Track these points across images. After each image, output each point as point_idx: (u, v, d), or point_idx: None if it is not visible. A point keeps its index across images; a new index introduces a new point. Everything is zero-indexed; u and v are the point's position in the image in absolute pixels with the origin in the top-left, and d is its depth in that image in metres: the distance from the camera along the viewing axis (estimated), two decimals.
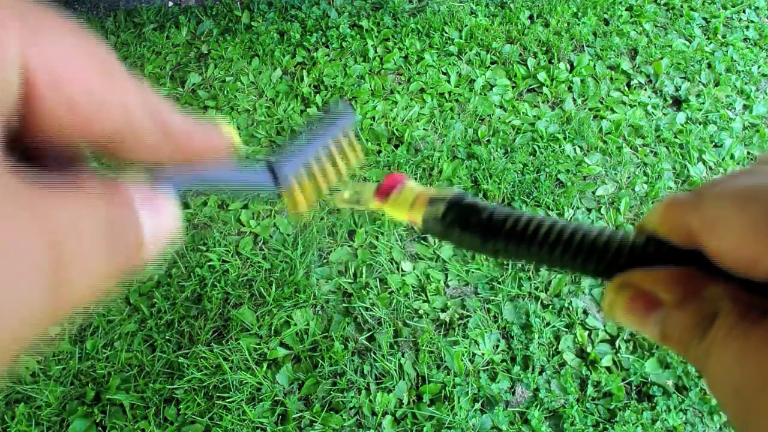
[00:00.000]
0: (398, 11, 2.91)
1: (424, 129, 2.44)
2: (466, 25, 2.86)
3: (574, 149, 2.38)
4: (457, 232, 0.30)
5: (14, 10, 0.17)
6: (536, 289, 1.95)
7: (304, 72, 2.67)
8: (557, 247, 0.27)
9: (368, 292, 1.94)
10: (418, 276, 1.99)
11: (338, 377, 1.77)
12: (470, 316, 1.89)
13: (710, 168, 2.33)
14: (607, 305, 0.26)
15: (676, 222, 0.24)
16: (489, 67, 2.72)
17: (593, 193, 2.23)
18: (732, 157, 2.36)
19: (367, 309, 1.90)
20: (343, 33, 2.81)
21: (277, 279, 1.96)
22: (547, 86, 2.62)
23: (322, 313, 1.92)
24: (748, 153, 2.39)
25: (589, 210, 2.18)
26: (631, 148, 2.40)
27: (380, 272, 2.00)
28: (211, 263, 1.99)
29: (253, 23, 2.87)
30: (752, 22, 2.97)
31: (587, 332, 1.87)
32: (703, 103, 2.55)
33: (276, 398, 1.73)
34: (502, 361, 1.82)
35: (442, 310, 1.91)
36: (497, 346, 1.85)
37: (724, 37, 2.88)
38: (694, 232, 0.23)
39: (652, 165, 2.32)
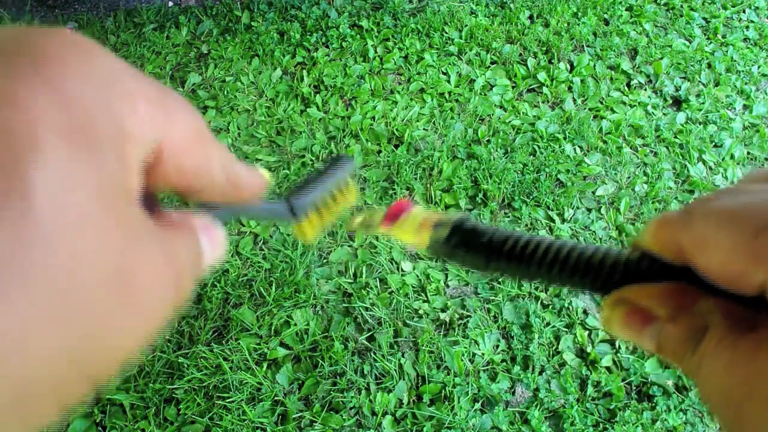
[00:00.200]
0: (398, 11, 2.91)
1: (424, 129, 2.44)
2: (466, 25, 2.86)
3: (574, 149, 2.38)
4: (460, 254, 0.33)
5: (157, 101, 0.23)
6: (536, 289, 1.95)
7: (304, 72, 2.66)
8: (555, 265, 0.29)
9: (368, 292, 1.93)
10: (418, 276, 1.99)
11: (338, 377, 1.76)
12: (470, 316, 1.89)
13: (710, 168, 2.33)
14: (604, 320, 0.27)
15: (667, 240, 0.25)
16: (489, 67, 2.71)
17: (593, 193, 2.23)
18: (732, 157, 2.36)
19: (367, 309, 1.90)
20: (343, 33, 2.80)
21: (277, 279, 1.96)
22: (547, 86, 2.62)
23: (322, 313, 1.92)
24: (748, 153, 2.38)
25: (589, 210, 2.18)
26: (631, 148, 2.40)
27: (380, 272, 2.00)
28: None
29: (253, 23, 2.87)
30: (752, 22, 2.97)
31: (587, 332, 1.87)
32: (703, 103, 2.55)
33: (276, 398, 1.73)
34: (502, 361, 1.82)
35: (442, 310, 1.91)
36: (497, 346, 1.85)
37: (724, 37, 2.88)
38: (684, 249, 0.24)
39: (652, 165, 2.32)
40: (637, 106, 2.55)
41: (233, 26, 2.86)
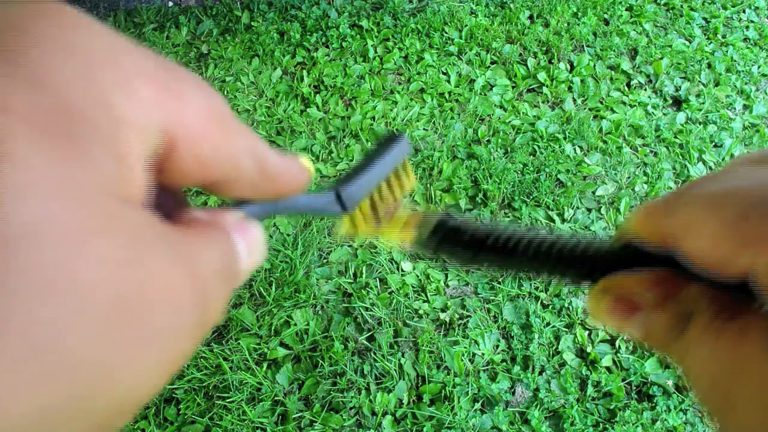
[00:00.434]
0: (398, 11, 2.91)
1: (424, 129, 2.44)
2: (466, 25, 2.85)
3: (574, 149, 2.38)
4: (445, 250, 0.33)
5: (161, 80, 0.19)
6: (536, 289, 1.95)
7: (304, 72, 2.66)
8: (539, 257, 0.29)
9: (368, 292, 1.93)
10: (418, 276, 1.99)
11: (338, 377, 1.76)
12: (470, 316, 1.89)
13: (710, 168, 2.33)
14: (590, 309, 0.27)
15: (653, 227, 0.25)
16: (489, 67, 2.71)
17: (593, 193, 2.23)
18: (732, 157, 2.35)
19: (367, 309, 1.90)
20: (343, 33, 2.80)
21: (277, 279, 1.96)
22: (547, 86, 2.62)
23: (322, 313, 1.92)
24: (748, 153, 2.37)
25: (589, 210, 2.18)
26: (631, 148, 2.40)
27: (380, 272, 2.00)
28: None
29: (253, 23, 2.87)
30: (752, 22, 2.96)
31: (587, 332, 1.87)
32: (703, 103, 2.55)
33: (276, 398, 1.73)
34: (502, 361, 1.82)
35: (442, 310, 1.91)
36: (497, 346, 1.85)
37: (724, 37, 2.88)
38: (669, 236, 0.24)
39: (652, 165, 2.32)
40: (637, 106, 2.55)
41: (233, 26, 2.86)
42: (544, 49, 2.79)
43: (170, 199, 0.22)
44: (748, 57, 2.76)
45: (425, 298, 1.94)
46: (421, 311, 1.91)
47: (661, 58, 2.71)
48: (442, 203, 2.16)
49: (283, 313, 1.88)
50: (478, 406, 1.72)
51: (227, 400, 1.71)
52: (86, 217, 0.15)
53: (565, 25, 2.88)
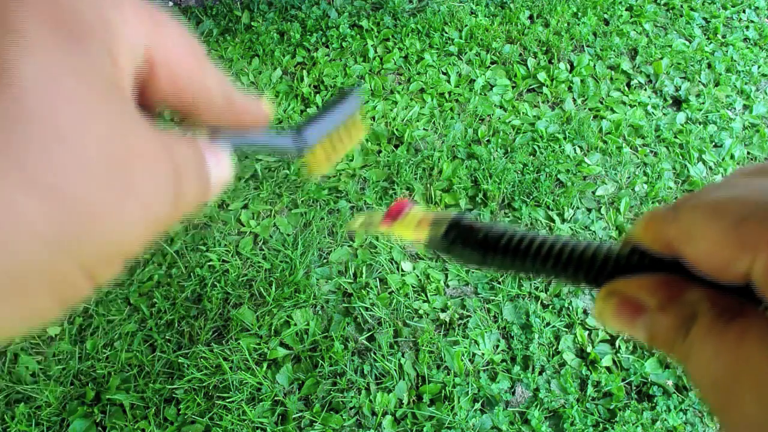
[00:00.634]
0: (398, 11, 2.91)
1: (424, 129, 2.44)
2: (466, 25, 2.86)
3: (574, 149, 2.38)
4: (457, 250, 0.34)
5: (147, 12, 0.23)
6: (536, 289, 1.95)
7: (304, 72, 2.66)
8: (548, 260, 0.30)
9: (368, 292, 1.93)
10: (418, 276, 1.99)
11: (338, 377, 1.76)
12: (470, 316, 1.89)
13: (710, 168, 2.33)
14: (597, 311, 0.28)
15: (657, 234, 0.26)
16: (489, 67, 2.71)
17: (593, 193, 2.23)
18: (732, 157, 2.36)
19: (367, 309, 1.90)
20: (343, 33, 2.80)
21: (277, 279, 1.96)
22: (547, 86, 2.62)
23: (322, 313, 1.92)
24: (748, 153, 2.39)
25: (589, 210, 2.18)
26: (631, 148, 2.40)
27: (380, 272, 2.00)
28: (211, 263, 1.99)
29: (253, 23, 2.87)
30: (752, 22, 2.96)
31: (587, 332, 1.87)
32: (703, 103, 2.55)
33: (276, 398, 1.73)
34: (502, 361, 1.82)
35: (442, 310, 1.91)
36: (497, 346, 1.85)
37: (724, 37, 2.88)
38: (673, 241, 0.25)
39: (652, 165, 2.32)
40: (637, 106, 2.55)
41: (233, 26, 2.86)
42: (544, 49, 2.79)
43: (146, 115, 0.25)
44: (748, 57, 2.76)
45: (425, 298, 1.94)
46: (421, 311, 1.90)
47: (661, 58, 2.71)
48: (442, 203, 2.16)
49: (283, 313, 1.88)
50: (478, 406, 1.72)
51: (227, 400, 1.71)
52: (87, 88, 0.19)
53: (565, 25, 2.88)
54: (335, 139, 0.41)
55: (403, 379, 1.77)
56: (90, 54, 0.20)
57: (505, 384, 1.77)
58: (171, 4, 2.97)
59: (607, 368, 1.80)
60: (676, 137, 2.43)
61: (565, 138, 2.39)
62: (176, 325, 1.87)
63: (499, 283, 1.96)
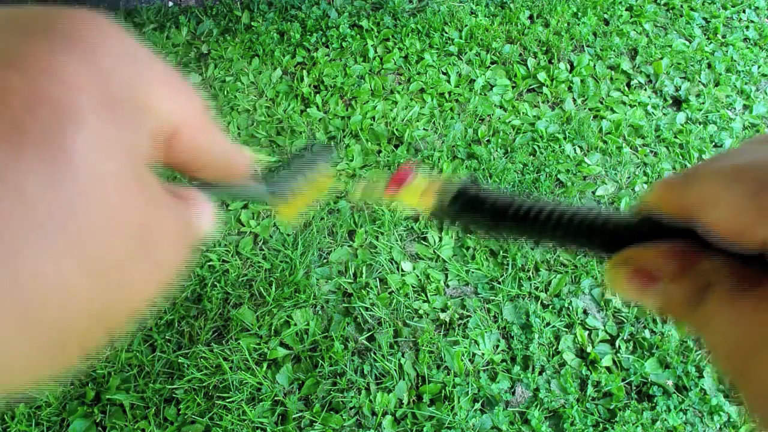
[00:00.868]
0: (398, 11, 2.91)
1: (424, 129, 2.44)
2: (466, 25, 2.86)
3: (574, 149, 2.38)
4: (463, 218, 0.34)
5: (173, 82, 0.25)
6: (536, 289, 1.95)
7: (304, 72, 2.66)
8: (559, 228, 0.30)
9: (368, 292, 1.93)
10: (418, 276, 1.99)
11: (338, 377, 1.76)
12: (470, 316, 1.89)
13: None
14: (609, 280, 0.28)
15: (672, 200, 0.26)
16: (489, 67, 2.71)
17: (593, 193, 2.23)
18: None
19: (367, 309, 1.90)
20: (343, 33, 2.80)
21: (277, 279, 1.96)
22: (547, 86, 2.62)
23: (322, 313, 1.91)
24: None
25: None
26: (631, 148, 2.40)
27: (380, 272, 2.00)
28: (211, 263, 1.99)
29: (253, 23, 2.87)
30: (752, 22, 2.96)
31: (587, 332, 1.87)
32: (703, 103, 2.55)
33: (276, 398, 1.73)
34: (502, 361, 1.82)
35: (442, 310, 1.91)
36: (497, 346, 1.85)
37: (724, 37, 2.88)
38: (688, 208, 0.25)
39: (652, 165, 2.32)
40: (637, 106, 2.55)
41: (233, 26, 2.86)
42: (544, 49, 2.79)
43: None
44: (748, 57, 2.75)
45: (425, 298, 1.94)
46: (421, 311, 1.90)
47: (661, 58, 2.71)
48: None
49: (283, 313, 1.88)
50: (478, 406, 1.72)
51: (227, 400, 1.71)
52: (129, 170, 0.21)
53: (565, 25, 2.88)
54: (304, 190, 0.42)
55: (403, 379, 1.77)
56: (133, 132, 0.22)
57: (505, 384, 1.76)
58: (171, 4, 2.97)
59: (607, 368, 1.80)
60: (676, 137, 2.42)
61: (565, 138, 2.39)
62: (176, 325, 1.87)
63: (499, 283, 1.96)
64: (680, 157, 2.35)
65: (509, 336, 1.86)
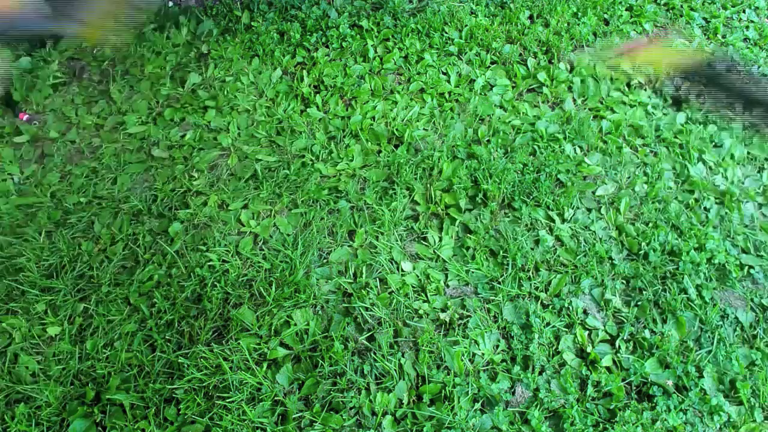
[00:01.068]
0: (398, 11, 2.91)
1: (424, 129, 2.44)
2: (466, 25, 2.86)
3: (574, 149, 2.37)
4: (703, 96, 0.32)
5: None
6: (536, 289, 1.95)
7: (304, 72, 2.66)
8: None
9: (368, 292, 1.93)
10: (418, 276, 1.99)
11: (338, 377, 1.76)
12: (470, 316, 1.89)
13: (710, 168, 2.32)
14: None
15: None
16: (489, 67, 2.72)
17: (593, 193, 2.22)
18: (732, 157, 2.35)
19: (367, 309, 1.89)
20: (343, 33, 2.81)
21: (277, 279, 1.96)
22: (547, 86, 2.62)
23: (322, 313, 1.91)
24: (748, 153, 2.37)
25: (589, 210, 2.17)
26: (631, 148, 2.40)
27: (380, 272, 1.99)
28: (211, 263, 1.99)
29: (253, 23, 2.87)
30: (752, 22, 2.96)
31: (587, 332, 1.86)
32: (703, 103, 2.52)
33: (276, 398, 1.73)
34: (502, 361, 1.81)
35: (442, 310, 1.90)
36: (497, 346, 1.84)
37: (724, 37, 2.88)
38: None
39: (652, 165, 2.31)
40: (637, 106, 2.54)
41: (233, 26, 2.87)
42: (544, 49, 2.79)
43: None
44: (748, 57, 2.75)
45: (425, 298, 1.94)
46: (421, 311, 1.90)
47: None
48: (442, 203, 2.15)
49: (283, 313, 1.88)
50: (478, 406, 1.71)
51: (227, 400, 1.70)
52: None
53: (565, 25, 2.88)
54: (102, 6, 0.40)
55: (403, 379, 1.76)
56: None
57: (505, 384, 1.75)
58: (171, 4, 2.96)
59: (607, 368, 1.79)
60: (676, 137, 2.42)
61: (565, 138, 2.39)
62: (176, 325, 1.87)
63: (499, 283, 1.95)
64: (680, 157, 2.35)
65: (509, 336, 1.85)
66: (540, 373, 1.78)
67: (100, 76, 2.71)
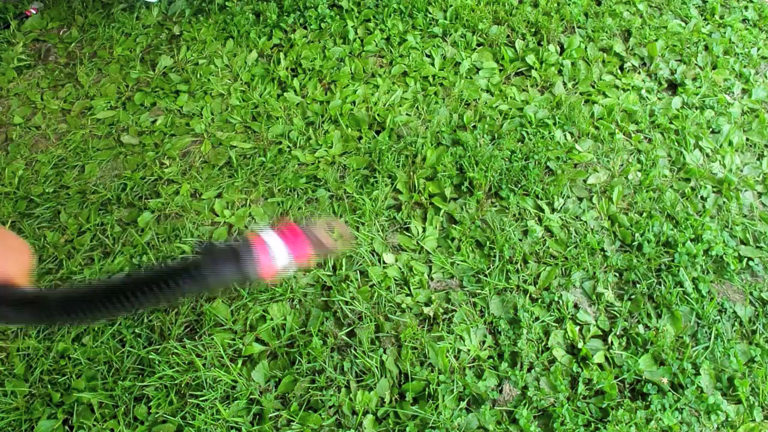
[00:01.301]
0: None
1: (406, 114, 2.43)
2: (451, 5, 2.85)
3: (565, 135, 2.35)
4: None
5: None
6: (525, 282, 1.93)
7: (281, 54, 2.67)
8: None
9: (348, 285, 1.91)
10: (400, 268, 1.97)
11: (317, 374, 1.75)
12: (455, 311, 1.87)
13: (707, 155, 2.32)
14: None
15: None
16: (475, 49, 2.71)
17: (584, 181, 2.21)
18: (730, 143, 2.34)
19: (347, 303, 1.88)
20: (321, 13, 2.80)
21: None
22: (536, 69, 2.60)
23: (300, 307, 1.90)
24: (747, 139, 2.37)
25: (580, 199, 2.16)
26: (624, 134, 2.38)
27: (361, 264, 1.98)
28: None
29: (227, 3, 2.88)
30: (751, 1, 2.96)
31: (578, 327, 1.85)
32: (700, 87, 2.52)
33: (251, 397, 1.72)
34: (489, 357, 1.79)
35: (426, 304, 1.89)
36: (484, 342, 1.82)
37: (721, 17, 2.86)
38: None
39: (646, 152, 2.30)
40: (631, 90, 2.53)
41: (206, 6, 2.87)
42: (533, 30, 2.77)
43: None
44: (747, 39, 2.73)
45: (408, 292, 1.91)
46: (403, 305, 1.88)
47: (656, 40, 2.68)
48: (426, 192, 2.12)
49: (258, 307, 1.87)
50: (463, 404, 1.69)
51: (200, 399, 1.69)
52: None
53: (555, 5, 2.86)
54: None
55: (385, 377, 1.75)
56: None
57: (492, 381, 1.74)
58: None
59: (599, 365, 1.78)
60: (671, 123, 2.40)
61: (554, 123, 2.37)
62: (146, 319, 1.86)
63: (486, 275, 1.94)
64: (676, 143, 2.34)
65: (496, 331, 1.83)
66: (528, 370, 1.76)
67: (67, 59, 2.71)
